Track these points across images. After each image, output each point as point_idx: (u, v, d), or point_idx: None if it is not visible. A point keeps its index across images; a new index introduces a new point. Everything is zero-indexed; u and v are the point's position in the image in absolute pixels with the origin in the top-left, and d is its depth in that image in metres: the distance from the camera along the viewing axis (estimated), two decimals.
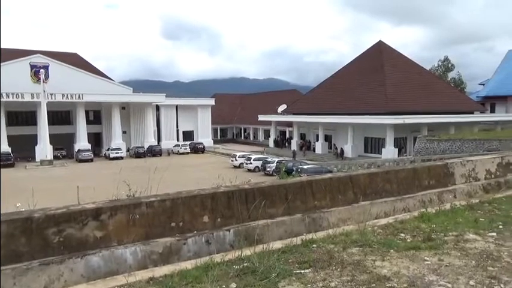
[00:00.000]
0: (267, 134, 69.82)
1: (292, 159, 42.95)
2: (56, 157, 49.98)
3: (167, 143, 61.50)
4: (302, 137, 58.13)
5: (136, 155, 52.91)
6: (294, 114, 58.51)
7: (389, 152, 42.05)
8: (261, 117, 62.85)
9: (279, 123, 62.07)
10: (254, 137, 76.11)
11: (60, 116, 56.20)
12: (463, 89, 70.88)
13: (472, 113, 50.51)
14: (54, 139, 49.28)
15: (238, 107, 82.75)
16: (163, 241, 4.41)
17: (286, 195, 5.41)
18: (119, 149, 53.04)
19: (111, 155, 51.62)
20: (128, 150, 56.23)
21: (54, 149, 50.49)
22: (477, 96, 59.26)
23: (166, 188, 5.95)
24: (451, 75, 73.69)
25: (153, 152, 54.67)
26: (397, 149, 42.44)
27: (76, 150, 51.81)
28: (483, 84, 64.08)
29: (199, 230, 4.68)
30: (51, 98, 48.68)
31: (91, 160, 49.95)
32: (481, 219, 5.54)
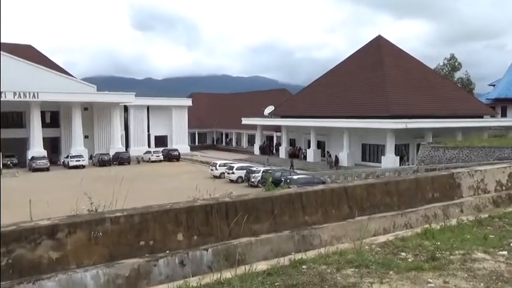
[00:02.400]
0: (251, 140, 69.88)
1: (290, 168, 43.32)
2: (5, 166, 49.03)
3: (137, 150, 61.01)
4: (292, 143, 58.35)
5: (101, 163, 52.34)
6: (283, 117, 58.75)
7: (389, 160, 42.54)
8: (245, 121, 62.92)
9: (265, 127, 62.23)
10: (237, 143, 76.09)
11: (11, 117, 55.20)
12: (472, 90, 72.39)
13: (482, 117, 51.58)
14: (3, 145, 48.29)
15: (219, 109, 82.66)
16: (130, 262, 4.36)
17: (272, 210, 5.42)
18: (80, 156, 52.37)
19: (71, 163, 50.93)
20: (90, 157, 55.54)
21: (4, 157, 49.52)
22: (487, 99, 60.57)
23: (135, 202, 5.90)
24: (458, 74, 75.27)
25: (120, 159, 54.15)
26: (398, 157, 42.95)
27: (29, 158, 50.91)
28: (493, 85, 65.58)
29: (172, 250, 4.64)
30: (1, 97, 47.80)
31: (47, 169, 49.18)
32: (490, 236, 5.64)
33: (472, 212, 7.31)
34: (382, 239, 5.58)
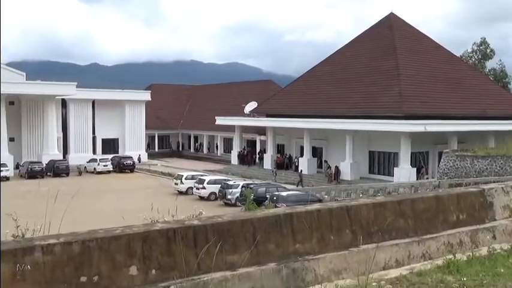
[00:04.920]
0: (228, 145, 69.78)
1: (298, 185, 43.70)
2: None
3: (78, 157, 60.42)
4: (280, 149, 58.45)
5: (30, 175, 51.67)
6: (268, 116, 58.88)
7: (404, 172, 42.94)
8: (220, 120, 62.89)
9: (245, 129, 62.28)
10: (209, 149, 75.94)
11: None
12: (507, 84, 73.74)
13: None
14: None
15: (187, 105, 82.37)
16: None
17: (254, 236, 5.41)
18: (3, 165, 51.51)
19: None
20: (17, 166, 54.89)
21: None
22: None
23: (75, 225, 5.83)
24: (490, 64, 76.65)
25: (56, 169, 53.61)
26: (415, 169, 43.43)
27: None
28: None
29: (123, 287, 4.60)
30: None
31: None
32: None
33: (507, 239, 7.43)
34: (393, 273, 5.62)
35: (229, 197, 36.81)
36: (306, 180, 48.11)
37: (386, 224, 6.46)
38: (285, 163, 55.37)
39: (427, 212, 7.03)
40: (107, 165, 57.77)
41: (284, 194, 33.23)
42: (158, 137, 78.41)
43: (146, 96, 70.16)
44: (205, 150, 76.25)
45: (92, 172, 56.90)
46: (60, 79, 67.90)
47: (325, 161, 51.29)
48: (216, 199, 38.52)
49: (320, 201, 29.41)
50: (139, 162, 64.13)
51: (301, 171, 49.21)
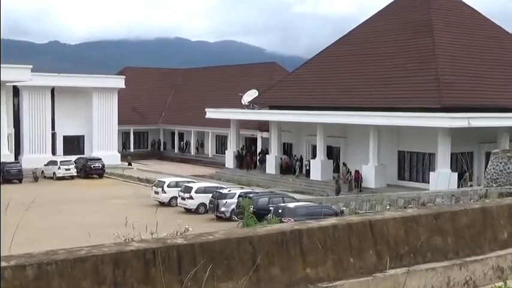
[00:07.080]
0: (222, 144, 69.70)
1: (336, 194, 43.91)
2: None
3: (33, 159, 60.41)
4: (287, 150, 58.38)
5: None
6: (272, 107, 58.81)
7: (442, 178, 42.81)
8: (211, 113, 62.81)
9: (244, 123, 62.20)
10: (197, 149, 75.83)
11: None
12: None
13: None
14: None
15: (170, 93, 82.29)
16: None
17: (253, 258, 5.41)
18: None
19: None
20: None
21: None
22: None
23: (30, 244, 5.85)
24: None
25: (7, 174, 53.49)
26: (456, 174, 43.38)
27: None
28: None
29: None
30: None
31: None
32: None
33: None
34: None
35: (222, 209, 36.77)
36: (319, 189, 48.09)
37: (419, 243, 6.46)
38: (293, 167, 55.20)
39: (471, 228, 7.03)
40: (69, 169, 57.62)
41: (291, 205, 33.16)
42: (134, 133, 78.27)
43: (119, 82, 69.92)
44: (192, 151, 76.12)
45: (51, 177, 56.82)
46: (11, 61, 67.75)
47: (344, 164, 51.22)
48: (206, 212, 38.47)
49: (337, 214, 29.36)
50: (130, 165, 64.47)
51: (338, 176, 48.96)
